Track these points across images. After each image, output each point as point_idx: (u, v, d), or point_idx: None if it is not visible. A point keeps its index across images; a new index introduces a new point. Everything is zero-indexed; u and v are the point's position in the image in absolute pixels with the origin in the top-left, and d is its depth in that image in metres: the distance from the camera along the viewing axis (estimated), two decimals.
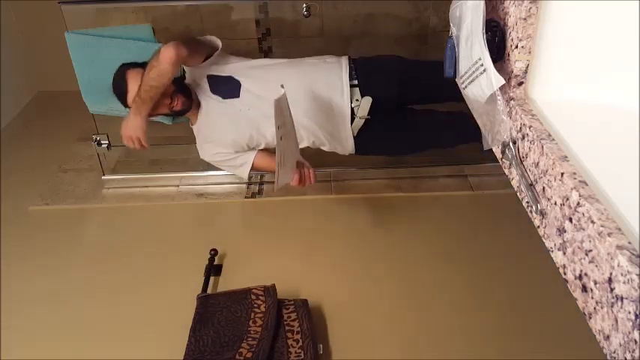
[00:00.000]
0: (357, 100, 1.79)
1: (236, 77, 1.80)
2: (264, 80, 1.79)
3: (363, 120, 1.81)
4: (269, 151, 1.88)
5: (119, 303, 1.71)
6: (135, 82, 1.71)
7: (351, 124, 1.81)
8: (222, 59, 1.85)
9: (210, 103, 1.82)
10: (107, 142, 2.24)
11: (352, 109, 1.79)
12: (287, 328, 1.50)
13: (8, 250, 1.93)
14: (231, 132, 1.81)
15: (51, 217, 2.12)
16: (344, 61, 1.84)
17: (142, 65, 1.75)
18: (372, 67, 1.86)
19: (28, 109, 2.95)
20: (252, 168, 1.88)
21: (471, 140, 1.87)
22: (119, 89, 1.76)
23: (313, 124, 1.78)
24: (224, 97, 1.80)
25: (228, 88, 1.80)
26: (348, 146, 1.87)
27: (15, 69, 2.86)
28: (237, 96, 1.79)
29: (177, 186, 2.27)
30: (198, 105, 1.84)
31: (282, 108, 1.45)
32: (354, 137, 1.84)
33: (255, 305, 1.56)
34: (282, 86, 1.47)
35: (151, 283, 1.78)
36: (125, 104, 1.78)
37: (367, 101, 1.79)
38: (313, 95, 1.77)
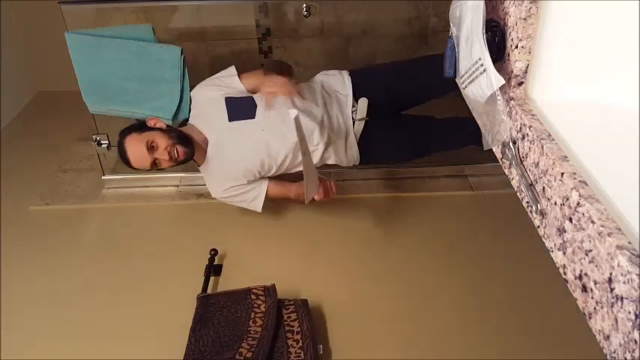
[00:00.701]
0: (353, 106, 1.84)
1: (254, 99, 1.82)
2: (278, 100, 1.79)
3: (363, 123, 1.83)
4: (280, 178, 1.89)
5: (119, 303, 1.71)
6: (133, 145, 1.73)
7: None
8: (238, 86, 1.89)
9: (221, 133, 1.81)
10: (107, 142, 2.24)
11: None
12: (287, 328, 1.50)
13: (8, 250, 1.93)
14: (241, 159, 1.79)
15: (51, 217, 2.12)
16: (345, 74, 1.91)
17: (137, 128, 1.77)
18: (365, 76, 1.91)
19: (28, 109, 2.95)
20: (266, 198, 1.87)
21: (470, 142, 1.88)
22: (123, 157, 1.78)
23: (325, 137, 1.80)
24: (240, 119, 1.79)
25: (244, 109, 1.80)
26: (353, 155, 1.89)
27: (15, 69, 2.86)
28: (253, 117, 1.79)
29: (177, 186, 2.27)
30: (205, 144, 1.83)
31: (300, 125, 1.47)
32: (357, 144, 1.87)
33: (255, 305, 1.56)
34: (289, 110, 1.54)
35: (151, 283, 1.78)
36: (133, 168, 1.79)
37: (364, 102, 1.83)
38: (326, 108, 1.81)
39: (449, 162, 2.26)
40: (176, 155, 1.72)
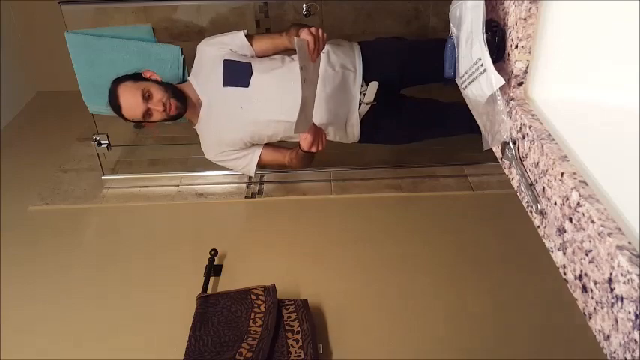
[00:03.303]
0: (361, 85, 1.79)
1: (252, 66, 1.78)
2: (275, 71, 1.76)
3: (369, 106, 1.80)
4: (273, 145, 1.87)
5: (119, 303, 1.71)
6: (128, 92, 1.70)
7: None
8: (246, 49, 1.82)
9: (213, 96, 1.78)
10: (107, 142, 2.24)
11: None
12: (287, 328, 1.50)
13: (8, 250, 1.93)
14: (232, 127, 1.78)
15: (51, 217, 2.12)
16: (356, 47, 1.84)
17: (132, 77, 1.75)
18: (373, 51, 1.85)
19: (28, 109, 2.95)
20: (259, 164, 1.87)
21: (474, 130, 1.85)
22: (114, 105, 1.74)
23: (328, 112, 1.77)
24: (234, 85, 1.76)
25: (240, 75, 1.76)
26: (354, 133, 1.85)
27: (15, 69, 2.86)
28: (247, 85, 1.75)
29: (177, 186, 2.27)
30: (198, 105, 1.81)
31: (303, 51, 1.43)
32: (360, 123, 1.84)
33: (255, 305, 1.56)
34: (297, 37, 1.45)
35: (151, 283, 1.78)
36: (123, 118, 1.75)
37: (374, 86, 1.78)
38: (329, 82, 1.76)
39: (449, 162, 2.26)
40: (169, 109, 1.70)
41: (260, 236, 1.98)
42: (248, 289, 1.61)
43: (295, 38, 1.43)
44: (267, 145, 1.87)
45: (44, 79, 3.02)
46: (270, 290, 1.59)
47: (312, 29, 1.50)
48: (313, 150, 1.61)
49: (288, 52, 1.81)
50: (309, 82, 1.48)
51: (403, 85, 1.95)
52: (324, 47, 1.56)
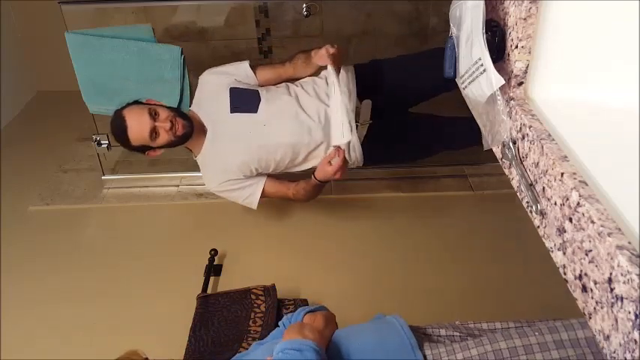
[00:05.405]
0: (356, 106, 1.78)
1: (259, 92, 1.78)
2: (283, 97, 1.76)
3: (366, 126, 1.78)
4: (278, 177, 1.83)
5: (119, 303, 1.71)
6: (135, 113, 1.67)
7: None
8: (251, 79, 1.84)
9: (220, 123, 1.76)
10: (107, 142, 2.24)
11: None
12: None
13: (8, 250, 1.93)
14: (239, 153, 1.74)
15: (51, 217, 2.12)
16: (350, 70, 1.83)
17: (135, 102, 1.73)
18: (367, 73, 1.85)
19: (28, 109, 2.95)
20: (263, 195, 1.81)
21: (472, 143, 1.86)
22: (118, 128, 1.69)
23: (328, 136, 1.74)
24: (241, 111, 1.74)
25: (247, 102, 1.75)
26: (357, 156, 1.82)
27: (15, 69, 2.86)
28: (255, 111, 1.74)
29: (177, 186, 2.27)
30: (202, 133, 1.78)
31: (334, 71, 1.53)
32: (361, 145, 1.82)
33: (255, 305, 1.56)
34: (326, 67, 1.58)
35: (151, 283, 1.78)
36: (128, 144, 1.70)
37: (367, 105, 1.77)
38: (329, 106, 1.74)
39: (449, 162, 2.26)
40: (176, 127, 1.67)
41: (260, 236, 1.98)
42: (248, 289, 1.61)
43: (329, 66, 1.55)
44: (271, 176, 1.82)
45: (44, 79, 3.02)
46: (270, 290, 1.59)
47: (335, 50, 1.64)
48: (337, 177, 1.64)
49: (291, 80, 1.82)
50: (346, 93, 1.60)
51: (405, 106, 1.94)
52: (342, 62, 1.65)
